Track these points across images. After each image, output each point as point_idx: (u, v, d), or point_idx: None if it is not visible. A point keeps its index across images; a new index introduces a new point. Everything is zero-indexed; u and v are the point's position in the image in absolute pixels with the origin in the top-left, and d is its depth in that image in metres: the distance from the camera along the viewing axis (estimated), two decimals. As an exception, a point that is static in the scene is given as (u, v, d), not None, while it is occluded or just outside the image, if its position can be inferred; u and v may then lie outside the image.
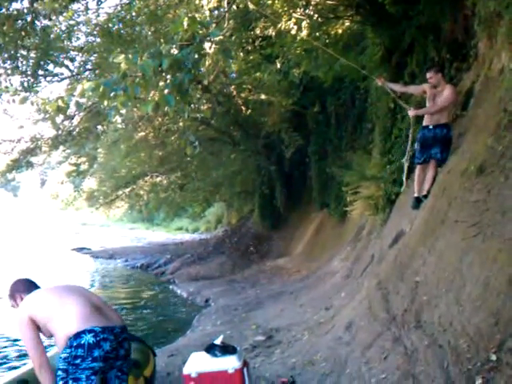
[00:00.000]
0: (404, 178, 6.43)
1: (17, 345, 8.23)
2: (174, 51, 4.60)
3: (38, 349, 3.13)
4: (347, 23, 9.97)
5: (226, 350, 4.35)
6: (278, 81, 12.49)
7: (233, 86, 14.82)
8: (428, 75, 5.96)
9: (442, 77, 5.95)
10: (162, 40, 8.70)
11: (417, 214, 6.01)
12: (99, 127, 16.27)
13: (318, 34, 8.81)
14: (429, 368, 3.74)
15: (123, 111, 12.72)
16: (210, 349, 4.38)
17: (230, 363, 4.16)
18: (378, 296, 5.17)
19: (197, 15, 4.99)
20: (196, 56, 4.62)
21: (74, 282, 14.39)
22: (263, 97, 14.32)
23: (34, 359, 3.11)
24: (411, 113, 6.14)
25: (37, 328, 3.16)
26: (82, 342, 2.96)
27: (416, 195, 6.09)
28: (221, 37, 6.77)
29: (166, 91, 4.31)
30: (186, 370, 4.19)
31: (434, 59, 7.11)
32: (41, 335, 3.22)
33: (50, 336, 3.19)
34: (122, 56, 4.42)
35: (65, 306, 3.14)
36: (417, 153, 6.17)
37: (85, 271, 19.05)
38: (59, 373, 3.00)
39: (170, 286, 14.82)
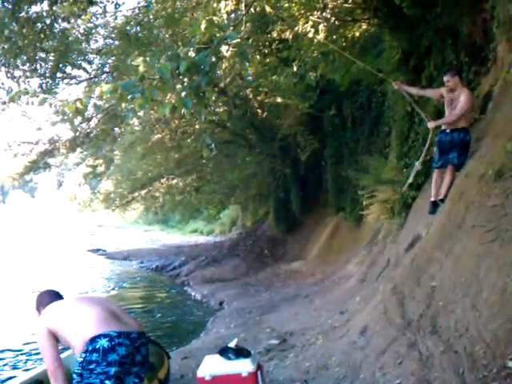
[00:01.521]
0: (410, 179, 6.33)
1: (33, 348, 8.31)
2: (192, 54, 4.61)
3: (54, 359, 3.15)
4: (364, 26, 9.95)
5: (240, 353, 4.34)
6: (294, 84, 12.48)
7: (249, 89, 14.84)
8: (445, 78, 5.91)
9: (459, 80, 5.90)
10: (179, 43, 8.74)
11: (433, 218, 5.96)
12: (116, 129, 16.41)
13: (334, 37, 8.80)
14: (444, 374, 3.70)
15: (140, 113, 12.82)
16: (224, 352, 4.38)
17: (244, 366, 4.15)
18: (394, 301, 5.14)
19: (214, 18, 5.00)
20: (213, 59, 4.63)
21: (89, 284, 14.63)
22: (279, 100, 14.32)
23: (50, 369, 3.14)
24: (430, 125, 6.05)
25: (55, 339, 3.19)
26: (97, 347, 2.97)
27: (433, 199, 6.04)
28: (238, 40, 6.79)
29: (183, 94, 4.33)
30: (200, 373, 4.19)
31: (452, 62, 7.06)
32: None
33: (68, 345, 3.22)
34: (141, 59, 4.45)
35: (80, 314, 3.17)
36: (435, 157, 6.13)
37: (100, 272, 19.16)
38: (74, 376, 3.02)
39: (185, 288, 14.86)
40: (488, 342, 3.54)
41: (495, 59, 6.15)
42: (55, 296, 3.54)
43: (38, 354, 7.88)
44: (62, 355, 3.50)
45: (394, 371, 4.15)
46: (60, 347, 3.28)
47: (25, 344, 8.76)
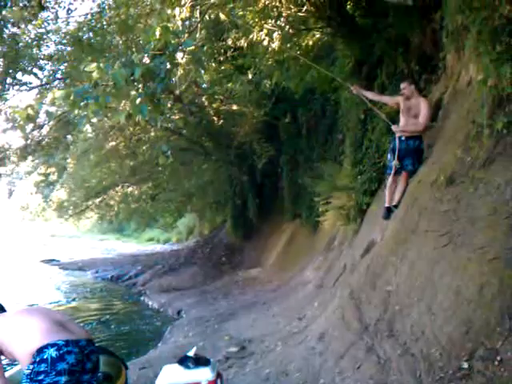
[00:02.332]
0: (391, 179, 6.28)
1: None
2: (146, 60, 4.57)
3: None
4: (318, 35, 10.08)
5: (199, 361, 4.31)
6: (249, 91, 12.54)
7: (204, 97, 14.81)
8: (402, 86, 6.05)
9: (415, 89, 6.05)
10: (133, 49, 8.66)
11: (388, 224, 6.06)
12: (69, 137, 16.09)
13: (289, 45, 8.86)
14: (402, 377, 3.77)
15: (94, 120, 12.61)
16: (183, 361, 4.34)
17: (204, 375, 4.13)
18: (351, 306, 5.19)
19: (169, 25, 4.97)
20: (168, 66, 4.61)
21: (42, 295, 14.21)
22: (235, 107, 14.35)
23: None
24: (396, 129, 6.12)
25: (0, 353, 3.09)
26: (45, 357, 2.88)
27: (387, 205, 6.14)
28: (193, 47, 6.77)
29: (138, 100, 4.28)
30: (158, 383, 4.14)
31: (403, 71, 7.22)
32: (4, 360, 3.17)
33: (14, 360, 3.12)
34: (94, 65, 4.38)
35: (26, 325, 3.07)
36: (388, 163, 6.24)
37: (54, 283, 18.69)
38: None
39: (142, 298, 14.66)
40: (443, 345, 3.62)
41: (445, 68, 6.33)
42: None
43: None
44: (8, 373, 3.40)
45: (352, 376, 4.19)
46: (4, 361, 3.18)
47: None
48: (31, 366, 2.89)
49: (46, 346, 2.91)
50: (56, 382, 2.87)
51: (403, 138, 5.98)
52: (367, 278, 5.30)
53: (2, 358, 3.16)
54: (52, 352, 2.90)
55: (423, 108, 5.91)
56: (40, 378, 2.87)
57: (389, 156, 6.23)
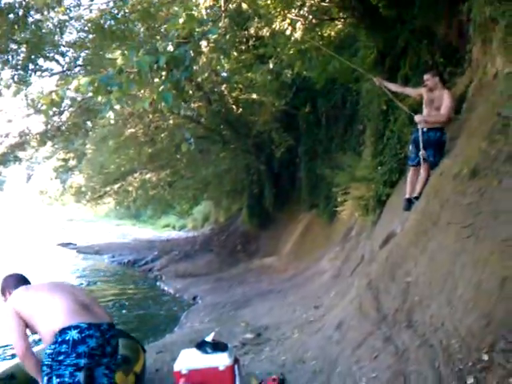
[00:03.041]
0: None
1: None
2: (170, 48, 4.59)
3: (22, 338, 3.13)
4: (340, 25, 10.02)
5: (217, 347, 4.37)
6: (269, 81, 12.51)
7: (224, 85, 14.81)
8: (425, 77, 6.00)
9: (439, 81, 5.99)
10: (157, 37, 8.69)
11: (408, 215, 6.04)
12: (88, 123, 16.21)
13: (311, 35, 8.83)
14: (420, 367, 3.77)
15: (117, 107, 12.68)
16: (201, 345, 4.40)
17: (221, 360, 4.18)
18: (369, 296, 5.20)
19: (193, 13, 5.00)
20: (192, 54, 4.62)
21: (60, 278, 14.42)
22: (254, 96, 14.33)
23: (18, 347, 3.12)
24: (418, 118, 6.09)
25: (23, 322, 3.16)
26: (67, 338, 2.95)
27: (408, 197, 6.12)
28: (216, 35, 6.80)
29: (161, 88, 4.31)
30: (176, 367, 4.20)
31: (427, 63, 7.16)
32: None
33: (35, 332, 3.20)
34: (118, 52, 4.42)
35: (51, 303, 3.15)
36: (410, 155, 6.22)
37: (71, 267, 18.94)
38: (44, 368, 3.01)
39: (158, 283, 14.81)
40: (463, 337, 3.61)
41: (470, 60, 6.26)
42: (21, 280, 3.51)
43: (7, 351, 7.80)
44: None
45: (370, 365, 4.20)
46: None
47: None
48: (53, 346, 2.97)
49: (68, 328, 2.98)
50: (76, 364, 2.95)
51: (425, 130, 5.95)
52: (386, 269, 5.30)
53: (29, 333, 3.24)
54: (74, 334, 2.97)
55: (446, 99, 5.86)
56: (61, 358, 2.95)
57: (410, 147, 6.20)
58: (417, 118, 6.06)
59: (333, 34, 10.03)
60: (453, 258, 4.25)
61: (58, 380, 2.95)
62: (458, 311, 3.82)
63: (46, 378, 2.99)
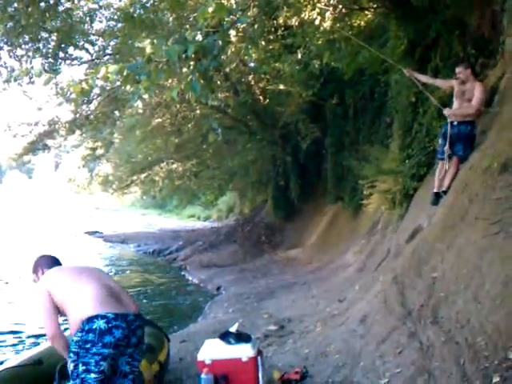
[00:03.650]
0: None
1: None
2: (199, 38, 4.57)
3: (52, 318, 3.16)
4: (370, 15, 9.90)
5: (241, 337, 4.37)
6: (297, 71, 12.42)
7: (251, 76, 14.77)
8: (457, 70, 5.89)
9: (471, 73, 5.87)
10: (186, 26, 8.68)
11: (436, 209, 5.96)
12: (116, 112, 16.34)
13: (340, 25, 8.73)
14: (444, 364, 3.72)
15: (145, 96, 12.76)
16: (225, 336, 4.41)
17: (244, 351, 4.18)
18: (394, 290, 5.15)
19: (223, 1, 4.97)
20: (220, 43, 4.60)
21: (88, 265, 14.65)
22: (282, 87, 14.26)
23: (48, 328, 3.16)
24: (447, 112, 5.99)
25: (53, 302, 3.19)
26: (94, 327, 2.97)
27: (436, 191, 6.04)
28: (244, 25, 6.77)
29: (189, 78, 4.30)
30: (200, 356, 4.22)
31: (458, 55, 7.02)
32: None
33: (64, 315, 3.22)
34: (148, 41, 4.42)
35: (81, 289, 3.17)
36: (439, 148, 6.12)
37: (98, 255, 19.19)
38: (71, 355, 3.04)
39: (182, 273, 14.91)
40: (490, 334, 3.55)
41: (503, 52, 6.12)
42: (54, 261, 3.54)
43: (35, 336, 7.94)
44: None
45: (394, 360, 4.17)
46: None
47: (21, 325, 8.77)
48: (80, 334, 3.00)
49: (96, 317, 3.00)
50: (101, 353, 2.97)
51: (455, 123, 5.84)
52: (412, 264, 5.24)
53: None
54: (101, 324, 2.98)
55: (477, 92, 5.74)
56: (87, 346, 2.97)
57: (440, 141, 6.10)
58: (445, 111, 5.97)
59: (362, 23, 9.90)
60: (480, 253, 4.18)
61: (83, 367, 2.97)
62: (485, 308, 3.75)
63: (72, 365, 3.03)
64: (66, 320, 3.23)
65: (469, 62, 6.18)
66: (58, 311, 3.21)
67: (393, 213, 8.64)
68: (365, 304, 5.84)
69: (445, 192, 5.87)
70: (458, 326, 3.90)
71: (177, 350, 6.00)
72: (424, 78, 6.56)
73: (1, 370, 3.85)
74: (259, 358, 4.23)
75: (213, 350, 4.29)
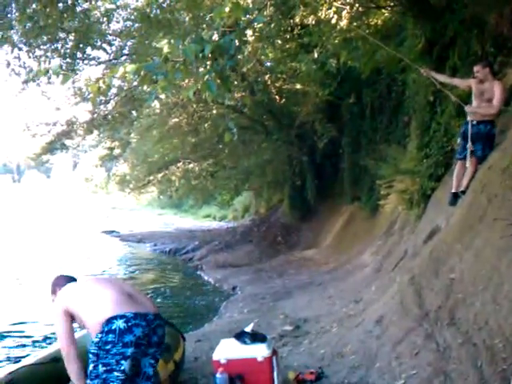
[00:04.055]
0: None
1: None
2: (216, 37, 4.57)
3: (69, 340, 3.19)
4: (387, 14, 9.83)
5: (256, 337, 4.36)
6: (314, 71, 12.38)
7: (267, 75, 14.76)
8: (475, 69, 5.82)
9: (489, 72, 5.78)
10: (203, 26, 8.70)
11: (453, 210, 5.91)
12: (134, 112, 16.44)
13: (357, 23, 8.69)
14: (461, 366, 3.68)
15: (162, 96, 12.83)
16: (240, 336, 4.40)
17: (260, 351, 4.17)
18: (411, 291, 5.11)
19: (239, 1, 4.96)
20: (237, 43, 4.59)
21: (103, 265, 14.76)
22: (298, 86, 14.23)
23: (64, 349, 3.19)
24: (469, 109, 5.92)
25: (71, 319, 3.22)
26: (113, 328, 2.98)
27: (454, 191, 5.98)
28: (261, 24, 6.76)
29: (206, 77, 4.31)
30: (215, 356, 4.22)
31: (477, 53, 6.95)
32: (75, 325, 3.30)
33: (84, 326, 3.25)
34: (165, 40, 4.43)
35: (98, 294, 3.19)
36: (458, 148, 6.06)
37: (114, 254, 19.31)
38: (90, 356, 3.05)
39: (198, 272, 14.92)
40: (508, 336, 3.51)
41: (522, 50, 6.06)
42: (70, 279, 3.56)
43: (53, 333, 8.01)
44: (77, 334, 3.54)
45: (410, 361, 4.13)
46: (75, 325, 3.31)
47: (38, 323, 8.86)
48: (100, 335, 3.00)
49: (115, 317, 3.01)
50: (122, 353, 2.97)
51: (474, 123, 5.78)
52: (430, 265, 5.20)
53: (75, 325, 3.30)
54: (120, 324, 2.99)
55: (497, 91, 5.66)
56: (108, 347, 2.98)
57: (459, 140, 6.04)
58: (467, 108, 5.89)
59: (379, 22, 9.82)
60: (499, 254, 4.13)
61: (104, 368, 2.98)
62: (503, 309, 3.71)
63: (92, 366, 3.03)
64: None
65: (487, 61, 6.10)
66: (77, 322, 3.24)
67: (410, 213, 8.58)
68: (381, 305, 5.80)
69: (463, 192, 5.81)
70: (475, 328, 3.85)
71: (192, 350, 6.00)
72: (441, 78, 6.49)
73: (18, 367, 3.89)
74: (274, 358, 4.22)
75: (228, 350, 4.29)
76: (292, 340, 6.21)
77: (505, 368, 3.37)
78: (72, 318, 3.22)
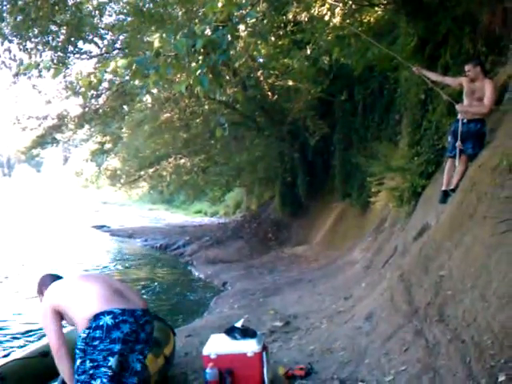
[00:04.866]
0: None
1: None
2: (208, 32, 4.56)
3: (58, 337, 3.17)
4: (380, 12, 9.84)
5: (246, 333, 4.38)
6: (306, 67, 12.37)
7: (260, 71, 14.72)
8: (466, 68, 5.82)
9: (480, 71, 5.79)
10: (195, 20, 8.67)
11: (443, 208, 5.94)
12: (125, 107, 16.36)
13: (350, 21, 8.69)
14: (450, 362, 3.71)
15: (154, 91, 12.78)
16: (231, 331, 4.42)
17: (250, 347, 4.19)
18: (401, 288, 5.14)
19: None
20: (229, 38, 4.58)
21: (93, 260, 14.70)
22: (290, 83, 14.20)
23: (55, 349, 3.16)
24: (460, 108, 5.94)
25: (60, 317, 3.21)
26: (101, 324, 2.97)
27: (444, 189, 6.01)
28: (254, 20, 6.75)
29: (198, 72, 4.29)
30: (205, 351, 4.23)
31: (469, 52, 6.97)
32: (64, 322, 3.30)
33: (73, 324, 3.24)
34: (157, 35, 4.42)
35: (85, 291, 3.17)
36: (448, 146, 6.08)
37: (104, 249, 19.26)
38: (77, 352, 3.04)
39: (189, 268, 14.92)
40: (496, 333, 3.54)
41: (514, 49, 6.08)
42: (57, 278, 3.55)
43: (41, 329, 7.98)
44: (65, 330, 3.53)
45: (399, 358, 4.16)
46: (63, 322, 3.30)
47: (26, 319, 8.82)
48: (87, 331, 2.99)
49: (102, 313, 2.99)
50: (110, 349, 2.96)
51: (465, 121, 5.80)
52: (419, 262, 5.23)
53: (63, 322, 3.29)
54: (108, 320, 2.98)
55: (488, 90, 5.68)
56: (95, 343, 2.97)
57: (449, 138, 6.06)
58: (458, 107, 5.91)
59: (372, 20, 9.84)
60: (488, 252, 4.16)
61: (91, 364, 2.98)
62: (492, 307, 3.74)
63: (79, 361, 3.02)
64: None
65: (479, 60, 6.12)
66: (66, 320, 3.23)
67: (400, 210, 8.61)
68: (371, 301, 5.83)
69: (453, 190, 5.84)
70: (464, 325, 3.89)
71: (182, 345, 6.01)
72: (433, 76, 6.50)
73: (7, 361, 3.88)
74: (264, 353, 4.24)
75: (218, 345, 4.30)
76: (282, 336, 6.22)
77: (493, 365, 3.40)
78: (61, 316, 3.21)
